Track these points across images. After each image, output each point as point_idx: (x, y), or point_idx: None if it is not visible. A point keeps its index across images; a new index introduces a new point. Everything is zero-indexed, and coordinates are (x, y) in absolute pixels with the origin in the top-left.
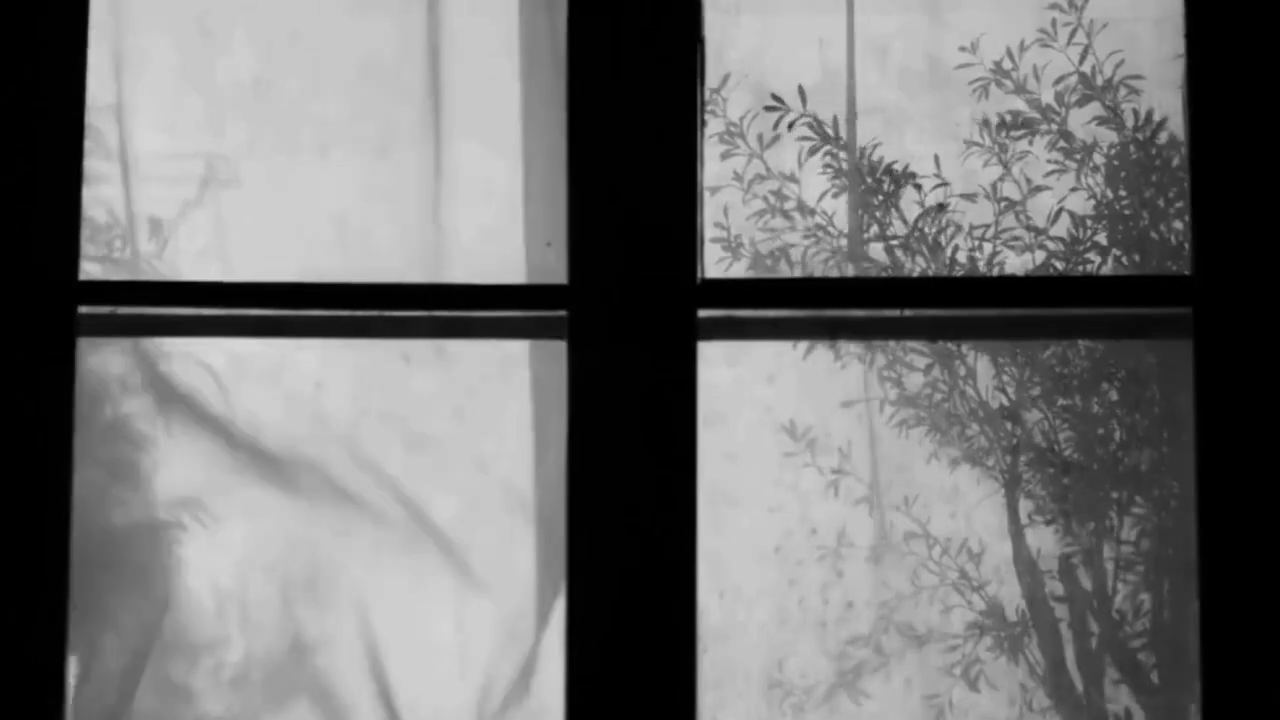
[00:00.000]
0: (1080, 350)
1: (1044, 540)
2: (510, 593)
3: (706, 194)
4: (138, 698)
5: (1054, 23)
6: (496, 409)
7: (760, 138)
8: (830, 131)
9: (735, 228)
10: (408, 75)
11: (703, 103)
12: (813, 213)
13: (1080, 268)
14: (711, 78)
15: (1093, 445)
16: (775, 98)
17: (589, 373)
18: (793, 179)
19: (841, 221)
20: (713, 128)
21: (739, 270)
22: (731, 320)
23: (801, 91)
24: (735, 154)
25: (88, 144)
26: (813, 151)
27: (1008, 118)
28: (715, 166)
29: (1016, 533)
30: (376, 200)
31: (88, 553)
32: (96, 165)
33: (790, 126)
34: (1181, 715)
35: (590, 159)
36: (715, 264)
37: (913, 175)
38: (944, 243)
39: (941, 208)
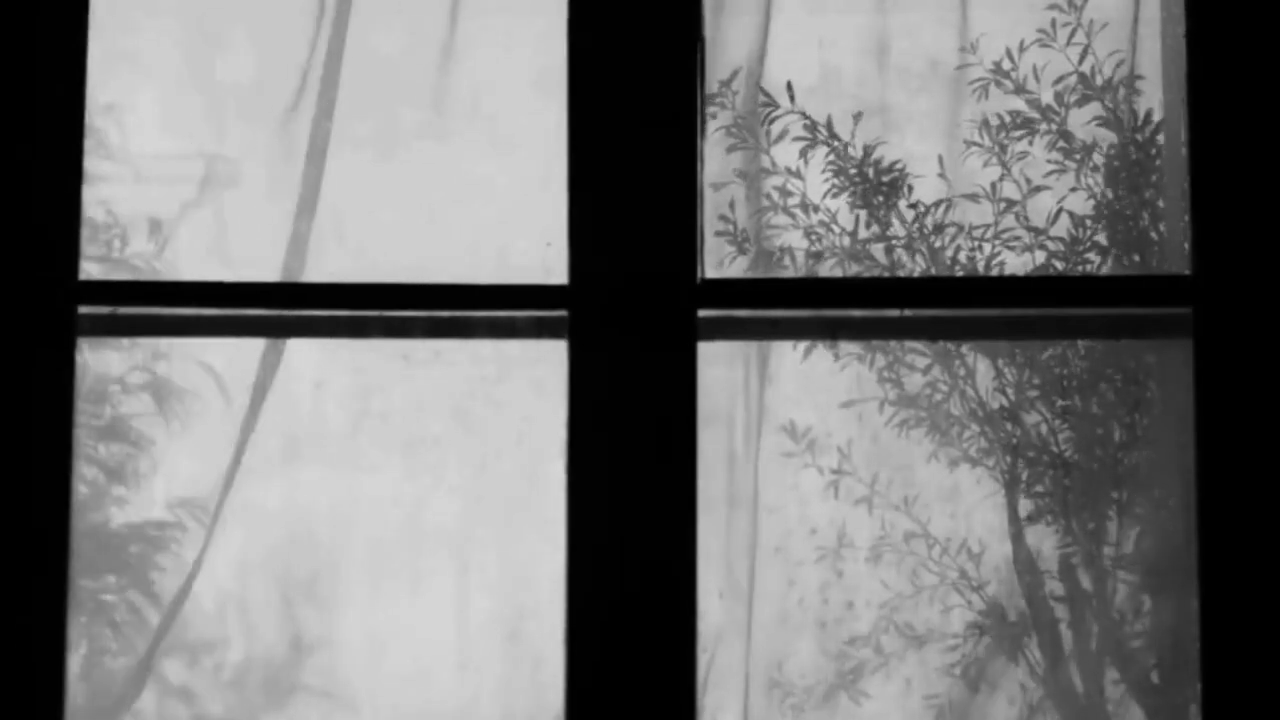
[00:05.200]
0: (1080, 350)
1: (1044, 540)
2: (512, 585)
3: (709, 190)
4: (137, 697)
5: (1053, 23)
6: (496, 409)
7: (768, 133)
8: (824, 131)
9: (740, 223)
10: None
11: (703, 102)
12: (816, 209)
13: (1080, 268)
14: (722, 71)
15: (1092, 445)
16: (765, 93)
17: (589, 373)
18: (798, 175)
19: (845, 220)
20: (721, 120)
21: (743, 265)
22: (731, 320)
23: (790, 88)
24: (743, 148)
25: (88, 144)
26: (807, 150)
27: (1007, 118)
28: (721, 161)
29: (1016, 533)
30: (377, 199)
31: (88, 553)
32: (96, 165)
33: (773, 121)
34: (1181, 715)
35: (590, 159)
36: (723, 258)
37: (906, 177)
38: (944, 243)
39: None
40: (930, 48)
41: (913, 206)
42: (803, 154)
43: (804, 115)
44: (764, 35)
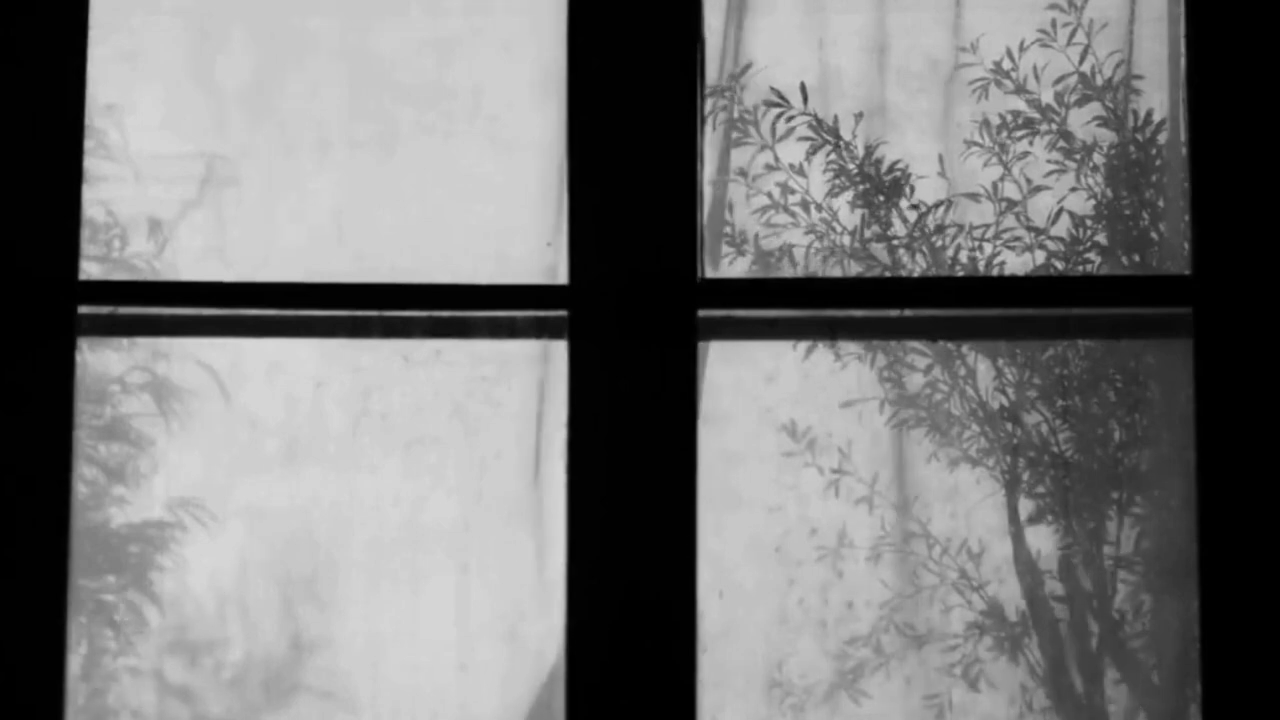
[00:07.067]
0: (1080, 350)
1: (1044, 540)
2: (510, 592)
3: (709, 189)
4: (136, 696)
5: (1054, 23)
6: (496, 409)
7: (773, 129)
8: (828, 133)
9: (741, 223)
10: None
11: (703, 102)
12: (819, 208)
13: (1080, 268)
14: (724, 70)
15: (1092, 445)
16: (776, 93)
17: (589, 373)
18: (801, 173)
19: (846, 219)
20: (722, 120)
21: (743, 264)
22: (731, 320)
23: (804, 89)
24: (745, 142)
25: (88, 144)
26: (813, 150)
27: (1007, 118)
28: (722, 161)
29: (1016, 533)
30: (377, 199)
31: (88, 553)
32: (97, 165)
33: (787, 120)
34: (1181, 715)
35: (590, 159)
36: (722, 258)
37: (907, 177)
38: (945, 243)
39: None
40: (930, 48)
41: (915, 207)
42: (808, 155)
43: (814, 116)
44: (764, 35)
